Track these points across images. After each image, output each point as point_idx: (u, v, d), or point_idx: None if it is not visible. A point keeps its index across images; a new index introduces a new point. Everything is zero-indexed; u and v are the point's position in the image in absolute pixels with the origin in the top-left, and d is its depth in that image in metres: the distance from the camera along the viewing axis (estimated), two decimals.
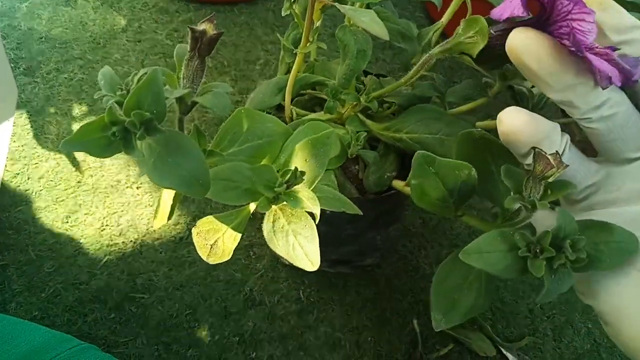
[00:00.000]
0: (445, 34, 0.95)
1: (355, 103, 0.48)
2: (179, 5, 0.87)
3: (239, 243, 0.65)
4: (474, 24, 0.29)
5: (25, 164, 0.66)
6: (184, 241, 0.64)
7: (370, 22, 0.33)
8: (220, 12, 0.89)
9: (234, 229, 0.35)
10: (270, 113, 0.55)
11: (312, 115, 0.50)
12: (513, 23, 0.28)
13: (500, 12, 0.26)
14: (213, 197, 0.30)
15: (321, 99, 0.53)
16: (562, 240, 0.30)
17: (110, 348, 0.55)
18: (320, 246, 0.58)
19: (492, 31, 0.31)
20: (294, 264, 0.30)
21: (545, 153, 0.28)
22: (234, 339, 0.58)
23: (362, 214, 0.38)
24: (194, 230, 0.37)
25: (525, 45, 0.25)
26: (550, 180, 0.30)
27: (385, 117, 0.51)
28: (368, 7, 0.48)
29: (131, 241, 0.63)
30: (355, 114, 0.49)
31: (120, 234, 0.63)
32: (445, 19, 0.51)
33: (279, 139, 0.39)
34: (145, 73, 0.26)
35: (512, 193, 0.32)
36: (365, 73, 0.55)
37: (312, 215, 0.30)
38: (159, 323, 0.58)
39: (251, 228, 0.67)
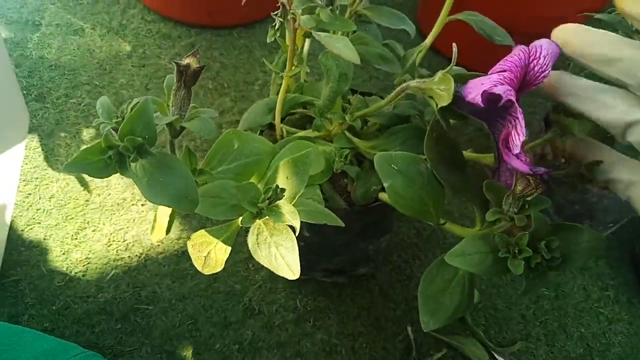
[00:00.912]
0: (436, 49, 0.99)
1: (341, 122, 0.51)
2: (181, 31, 0.92)
3: (238, 256, 0.68)
4: (447, 81, 0.33)
5: (37, 185, 0.70)
6: (187, 255, 0.67)
7: (343, 48, 0.37)
8: (220, 35, 0.93)
9: (224, 241, 0.38)
10: (263, 131, 0.58)
11: (302, 133, 0.54)
12: (469, 105, 0.32)
13: (468, 90, 0.30)
14: (202, 213, 0.33)
15: (311, 117, 0.57)
16: (538, 241, 0.33)
17: (117, 357, 0.59)
18: (314, 256, 0.61)
19: (462, 95, 0.33)
20: (277, 273, 0.33)
21: (527, 175, 0.32)
22: (233, 347, 0.61)
23: (344, 225, 0.41)
24: (189, 243, 0.40)
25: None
26: (528, 199, 0.33)
27: (370, 134, 0.54)
28: (355, 32, 0.52)
29: (136, 255, 0.66)
30: (342, 131, 0.52)
31: (126, 249, 0.66)
32: (428, 41, 0.54)
33: (266, 157, 0.42)
34: (138, 102, 0.29)
35: (493, 206, 0.36)
36: (353, 91, 0.58)
37: (293, 228, 0.33)
38: (163, 333, 0.61)
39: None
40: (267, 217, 0.33)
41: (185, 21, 0.93)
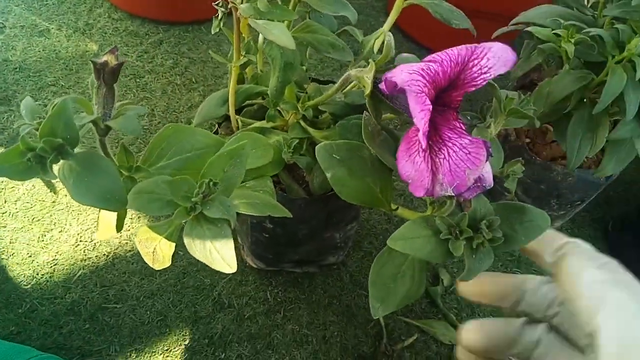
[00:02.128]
0: (402, 31, 0.98)
1: (294, 112, 0.51)
2: (148, 28, 0.91)
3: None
4: (371, 69, 0.33)
5: (2, 188, 0.69)
6: None
7: (279, 34, 0.36)
8: (188, 31, 0.92)
9: (168, 237, 0.38)
10: (220, 124, 0.58)
11: (257, 124, 0.53)
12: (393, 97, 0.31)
13: (391, 75, 0.28)
14: (138, 209, 0.33)
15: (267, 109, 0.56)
16: (478, 221, 0.32)
17: (85, 357, 0.58)
18: (278, 248, 0.61)
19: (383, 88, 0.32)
20: (213, 267, 0.33)
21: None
22: (203, 342, 0.61)
23: (291, 216, 0.40)
24: (136, 239, 0.39)
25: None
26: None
27: (325, 123, 0.53)
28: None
29: (104, 255, 0.66)
30: (298, 121, 0.52)
31: (93, 249, 0.66)
32: (386, 26, 0.54)
33: (210, 151, 0.41)
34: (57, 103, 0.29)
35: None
36: (313, 80, 0.58)
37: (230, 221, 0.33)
38: (132, 331, 0.61)
39: None
40: (201, 211, 0.33)
41: (152, 18, 0.92)
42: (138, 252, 0.67)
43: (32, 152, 0.28)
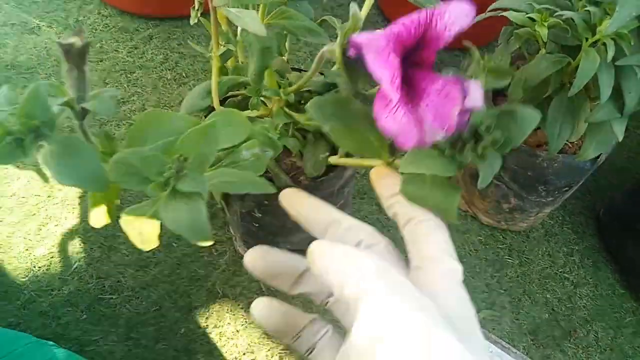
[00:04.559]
0: (387, 18, 0.98)
1: (277, 98, 0.52)
2: (138, 24, 0.92)
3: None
4: (340, 36, 0.34)
5: None
6: None
7: (249, 21, 0.37)
8: (178, 26, 0.93)
9: (152, 216, 0.38)
10: (205, 116, 0.59)
11: (244, 114, 0.54)
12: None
13: (355, 38, 0.29)
14: (117, 181, 0.34)
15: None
16: (475, 130, 0.33)
17: (83, 347, 0.60)
18: (269, 236, 0.62)
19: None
20: (189, 240, 0.34)
21: None
22: (199, 331, 0.62)
23: (274, 191, 0.41)
24: (121, 222, 0.41)
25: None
26: None
27: (304, 102, 0.54)
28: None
29: (99, 247, 0.67)
30: (281, 107, 0.53)
31: (88, 241, 0.67)
32: (364, 11, 0.54)
33: None
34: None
35: None
36: (294, 69, 0.59)
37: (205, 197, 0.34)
38: (128, 321, 0.62)
39: (213, 226, 0.70)
40: (174, 186, 0.34)
41: (142, 14, 0.93)
42: (132, 244, 0.68)
43: (11, 136, 0.29)
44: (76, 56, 0.29)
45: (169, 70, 0.86)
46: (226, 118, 0.45)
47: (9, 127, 0.27)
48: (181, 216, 0.32)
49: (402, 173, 0.32)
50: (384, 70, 0.28)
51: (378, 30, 0.30)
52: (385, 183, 0.29)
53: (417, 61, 0.31)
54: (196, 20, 0.44)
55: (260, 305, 0.28)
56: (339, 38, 0.36)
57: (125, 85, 0.83)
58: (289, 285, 0.29)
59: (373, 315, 0.19)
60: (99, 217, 0.43)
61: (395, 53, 0.28)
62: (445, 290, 0.23)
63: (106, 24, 0.91)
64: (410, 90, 0.30)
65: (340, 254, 0.22)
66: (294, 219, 0.30)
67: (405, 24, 0.29)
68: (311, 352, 0.28)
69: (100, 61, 0.85)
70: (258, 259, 0.29)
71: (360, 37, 0.29)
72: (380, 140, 0.40)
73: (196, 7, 0.43)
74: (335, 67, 0.53)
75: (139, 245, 0.41)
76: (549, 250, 0.78)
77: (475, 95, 0.31)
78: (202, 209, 0.33)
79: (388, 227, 0.74)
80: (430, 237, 0.25)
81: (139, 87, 0.83)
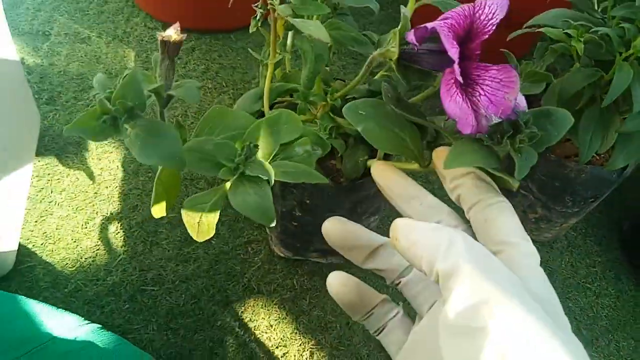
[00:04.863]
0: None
1: (324, 103, 0.55)
2: None
3: (238, 240, 0.73)
4: (394, 37, 0.36)
5: (49, 180, 0.75)
6: (189, 240, 0.71)
7: (314, 29, 0.41)
8: (218, 39, 0.98)
9: (212, 206, 0.42)
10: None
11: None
12: (427, 46, 0.35)
13: (410, 35, 0.33)
14: (191, 166, 0.37)
15: (297, 104, 0.61)
16: (514, 122, 0.36)
17: (125, 334, 0.63)
18: (306, 236, 0.65)
19: (416, 49, 0.36)
20: (256, 221, 0.37)
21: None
22: (234, 324, 0.65)
23: (327, 181, 0.44)
24: (182, 211, 0.44)
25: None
26: None
27: None
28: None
29: (142, 241, 0.70)
30: (327, 112, 0.56)
31: (132, 235, 0.71)
32: (401, 26, 0.58)
33: None
34: (127, 74, 0.34)
35: None
36: (336, 80, 0.62)
37: (269, 182, 0.37)
38: (168, 312, 0.65)
39: (249, 227, 0.74)
40: (243, 171, 0.37)
41: (185, 27, 0.98)
42: (173, 240, 0.71)
43: (107, 115, 0.32)
44: (172, 48, 0.33)
45: (209, 79, 0.90)
46: (283, 117, 0.49)
47: (107, 106, 0.31)
48: (249, 199, 0.36)
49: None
50: (454, 49, 0.31)
51: (431, 23, 0.33)
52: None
53: (467, 54, 0.34)
54: (255, 29, 0.48)
55: (337, 279, 0.29)
56: (393, 38, 0.39)
57: (153, 67, 0.87)
58: (362, 258, 0.30)
59: (469, 295, 0.19)
60: (159, 209, 0.47)
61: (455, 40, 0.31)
62: (529, 274, 0.23)
63: (152, 35, 0.96)
64: (465, 79, 0.33)
65: (429, 228, 0.22)
66: (380, 189, 0.31)
67: (455, 16, 0.33)
68: (381, 331, 0.29)
69: (146, 70, 0.90)
70: (338, 227, 0.30)
71: (426, 25, 0.32)
72: (414, 141, 0.43)
73: (257, 17, 0.47)
74: (378, 75, 0.56)
75: (194, 236, 0.44)
76: (572, 261, 0.80)
77: (520, 98, 0.34)
78: (268, 192, 0.36)
79: None
80: (503, 220, 0.25)
81: None
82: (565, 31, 0.48)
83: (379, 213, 0.67)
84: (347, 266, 0.71)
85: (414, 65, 0.38)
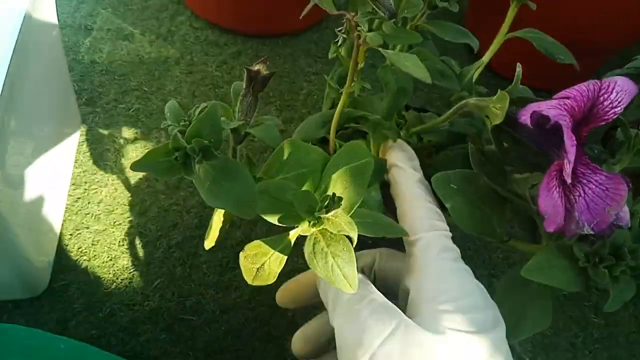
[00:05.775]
0: (491, 69, 0.96)
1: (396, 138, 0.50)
2: (227, 39, 0.92)
3: (282, 269, 0.67)
4: (503, 100, 0.32)
5: (86, 189, 0.71)
6: (230, 265, 0.67)
7: (414, 67, 0.36)
8: (265, 44, 0.93)
9: (280, 252, 0.37)
10: (315, 144, 0.58)
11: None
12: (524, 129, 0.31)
13: (523, 112, 0.29)
14: (263, 212, 0.33)
15: (363, 132, 0.56)
16: (619, 248, 0.31)
17: None
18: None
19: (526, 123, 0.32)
20: (334, 285, 0.32)
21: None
22: None
23: (407, 234, 0.39)
24: (241, 255, 0.39)
25: None
26: None
27: (424, 149, 0.53)
28: (410, 47, 0.51)
29: (181, 264, 0.66)
30: None
31: (171, 257, 0.66)
32: (486, 58, 0.53)
33: (320, 167, 0.41)
34: (206, 107, 0.29)
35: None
36: (407, 107, 0.57)
37: (350, 239, 0.32)
38: (207, 345, 0.61)
39: (294, 254, 0.69)
40: (324, 226, 0.32)
41: (232, 29, 0.93)
42: (213, 264, 0.67)
43: (180, 152, 0.28)
44: (259, 83, 0.29)
45: None
46: (353, 153, 0.44)
47: (181, 143, 0.27)
48: (328, 258, 0.31)
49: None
50: (573, 148, 0.27)
51: (549, 101, 0.29)
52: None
53: (576, 139, 0.30)
54: (335, 54, 0.43)
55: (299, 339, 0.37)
56: (501, 99, 0.34)
57: (214, 100, 0.82)
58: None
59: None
60: (212, 239, 0.43)
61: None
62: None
63: (197, 36, 0.92)
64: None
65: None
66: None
67: (577, 97, 0.28)
68: None
69: (190, 73, 0.86)
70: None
71: (548, 111, 0.28)
72: (498, 222, 0.38)
73: (339, 43, 0.42)
74: (464, 119, 0.50)
75: (249, 281, 0.40)
76: (636, 313, 0.74)
77: (624, 210, 0.29)
78: (352, 252, 0.31)
79: None
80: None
81: (227, 103, 0.82)
82: None
83: None
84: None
85: (511, 131, 0.33)
